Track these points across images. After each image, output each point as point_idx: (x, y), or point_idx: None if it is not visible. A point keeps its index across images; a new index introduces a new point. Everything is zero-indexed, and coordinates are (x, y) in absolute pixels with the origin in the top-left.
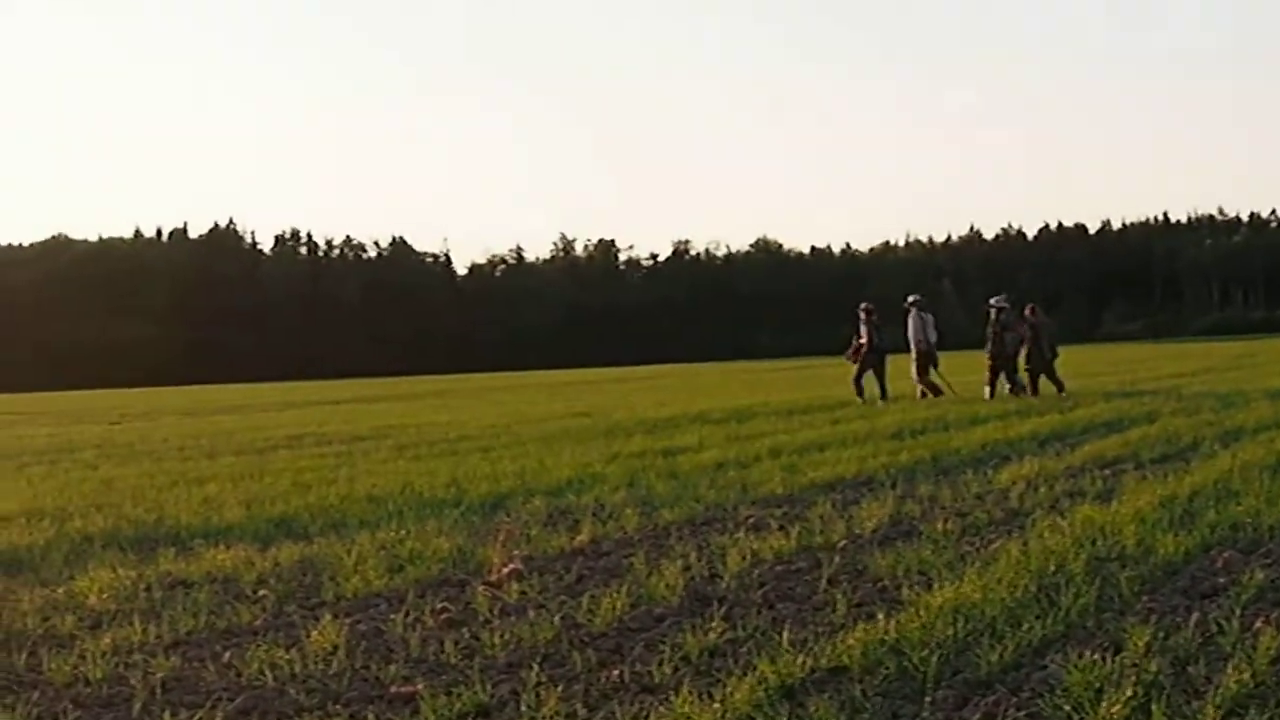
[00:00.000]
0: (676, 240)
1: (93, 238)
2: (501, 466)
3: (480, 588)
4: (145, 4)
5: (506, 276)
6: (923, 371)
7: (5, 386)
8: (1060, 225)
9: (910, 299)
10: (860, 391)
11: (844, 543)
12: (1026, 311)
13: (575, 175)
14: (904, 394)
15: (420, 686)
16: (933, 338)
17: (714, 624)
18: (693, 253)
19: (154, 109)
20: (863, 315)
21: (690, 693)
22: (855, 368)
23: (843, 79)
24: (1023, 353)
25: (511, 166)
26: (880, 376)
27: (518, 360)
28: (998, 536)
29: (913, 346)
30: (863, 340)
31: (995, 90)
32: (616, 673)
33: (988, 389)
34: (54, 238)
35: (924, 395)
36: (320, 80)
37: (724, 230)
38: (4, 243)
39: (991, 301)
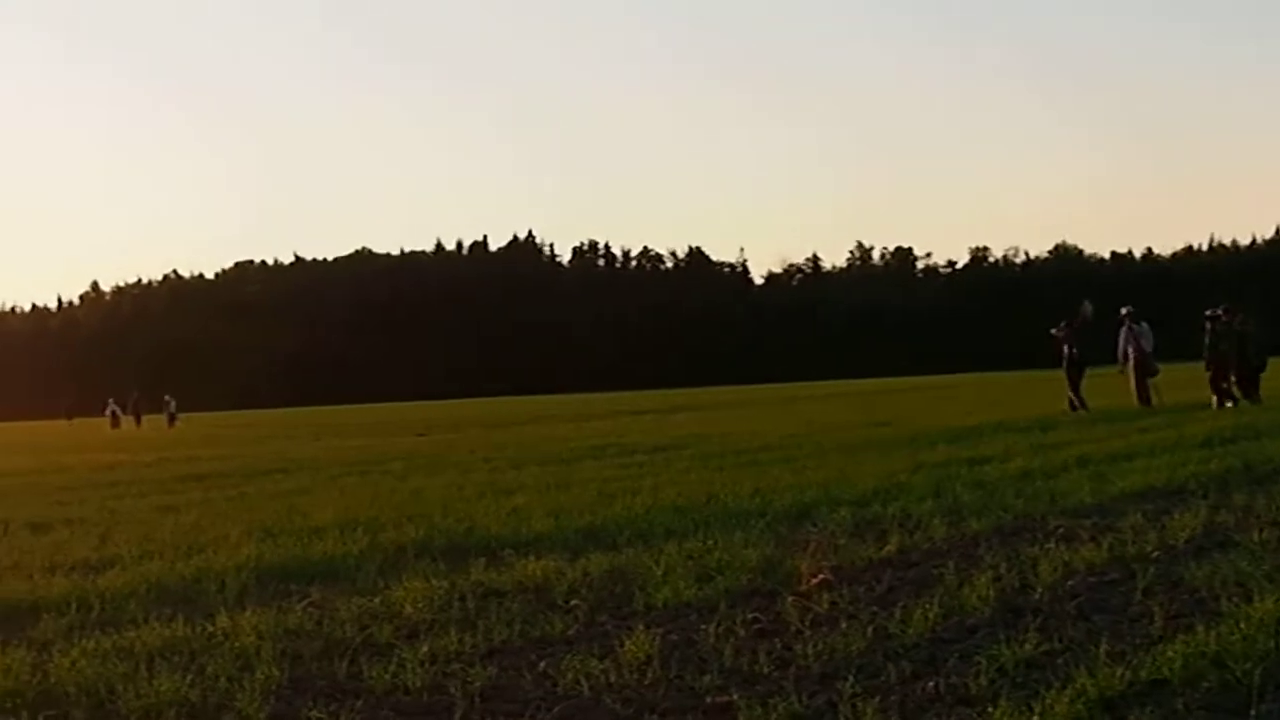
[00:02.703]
0: (974, 247)
1: (395, 251)
2: (805, 476)
3: (790, 598)
4: (467, 28)
5: (803, 286)
6: (1138, 382)
7: (311, 399)
8: None
9: (1124, 310)
10: (1082, 405)
11: (1157, 553)
12: (1236, 322)
13: (873, 182)
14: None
15: (736, 697)
16: (1148, 348)
17: (1028, 635)
18: (991, 260)
19: (456, 122)
20: (1063, 329)
21: (1008, 705)
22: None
23: (1151, 78)
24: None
25: (808, 175)
26: (1076, 388)
27: (813, 369)
28: None
29: (1119, 358)
30: (1072, 351)
31: None
32: (932, 684)
33: (1215, 399)
34: (358, 252)
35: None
36: (619, 94)
37: (1022, 236)
38: (311, 257)
39: (1208, 312)
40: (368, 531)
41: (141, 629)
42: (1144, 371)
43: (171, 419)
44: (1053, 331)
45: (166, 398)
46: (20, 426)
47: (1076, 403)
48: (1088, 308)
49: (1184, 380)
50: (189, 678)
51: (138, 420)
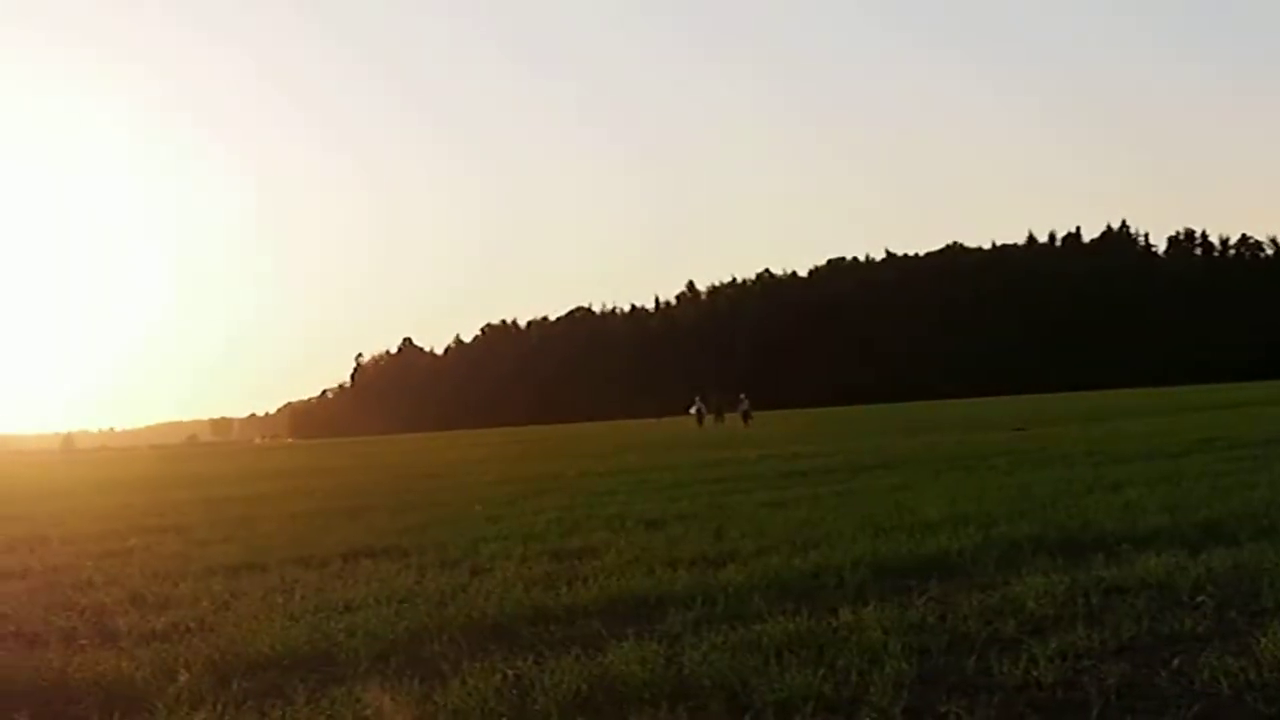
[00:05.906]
0: None
1: (986, 245)
2: None
3: None
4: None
5: None
6: None
7: (899, 395)
8: None
9: None
10: None
11: None
12: None
13: None
14: None
15: None
16: None
17: None
18: None
19: (1042, 116)
20: None
21: None
22: None
23: None
24: None
25: None
26: None
27: None
28: None
29: None
30: None
31: None
32: None
33: None
34: (949, 247)
35: None
36: (1201, 78)
37: None
38: (902, 253)
39: None
40: (980, 527)
41: (766, 623)
42: None
43: (746, 416)
44: None
45: (741, 395)
46: (617, 425)
47: None
48: None
49: None
50: (820, 671)
51: (720, 417)
